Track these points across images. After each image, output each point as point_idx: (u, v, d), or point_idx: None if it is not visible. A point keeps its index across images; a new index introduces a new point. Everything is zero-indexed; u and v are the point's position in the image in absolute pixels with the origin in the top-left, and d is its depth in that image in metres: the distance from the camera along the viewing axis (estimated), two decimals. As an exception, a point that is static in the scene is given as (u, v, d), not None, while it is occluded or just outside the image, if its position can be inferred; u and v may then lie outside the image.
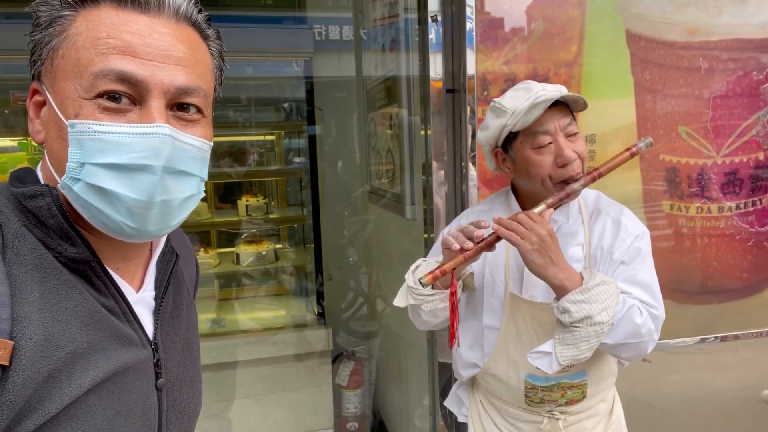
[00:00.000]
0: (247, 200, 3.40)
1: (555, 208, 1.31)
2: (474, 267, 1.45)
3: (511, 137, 1.34)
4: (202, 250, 3.30)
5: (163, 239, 0.84)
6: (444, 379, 2.05)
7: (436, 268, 1.24)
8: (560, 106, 1.31)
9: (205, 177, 0.75)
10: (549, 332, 1.33)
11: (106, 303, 0.72)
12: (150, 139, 0.65)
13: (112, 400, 0.70)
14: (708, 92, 1.99)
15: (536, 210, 1.26)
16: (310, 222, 3.29)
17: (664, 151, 1.98)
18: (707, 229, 2.06)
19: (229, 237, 3.70)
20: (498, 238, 1.24)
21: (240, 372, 3.02)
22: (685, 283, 2.07)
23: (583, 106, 1.33)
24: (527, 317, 1.39)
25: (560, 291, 1.22)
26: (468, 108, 1.82)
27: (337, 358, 3.32)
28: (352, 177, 3.46)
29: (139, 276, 0.80)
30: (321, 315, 3.21)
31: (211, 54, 0.77)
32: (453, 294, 1.32)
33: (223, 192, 3.82)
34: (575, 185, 1.29)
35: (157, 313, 0.80)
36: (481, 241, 1.24)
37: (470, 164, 1.86)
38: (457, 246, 1.23)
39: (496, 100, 1.35)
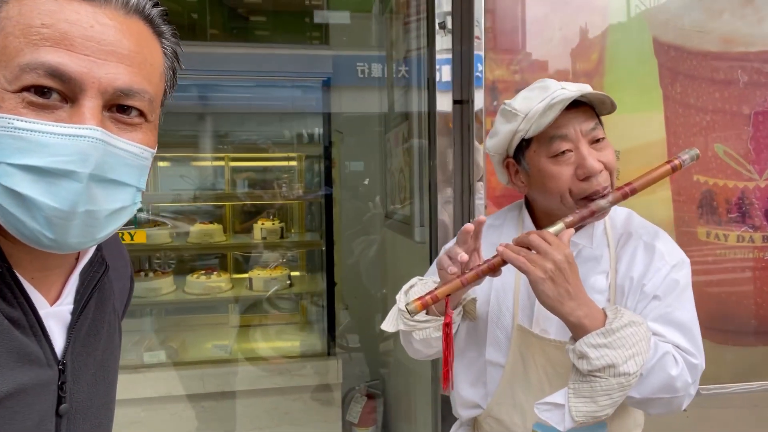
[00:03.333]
0: (262, 224, 3.32)
1: (576, 229, 1.12)
2: (477, 291, 1.27)
3: (524, 145, 1.16)
4: (215, 273, 3.22)
5: (93, 247, 0.75)
6: (451, 417, 1.86)
7: (428, 293, 1.06)
8: (583, 107, 1.12)
9: (143, 187, 0.67)
10: (563, 375, 1.13)
11: (12, 314, 0.63)
12: (78, 141, 0.58)
13: (1, 426, 0.61)
14: (748, 108, 1.80)
15: (552, 229, 1.06)
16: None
17: (698, 171, 1.78)
18: (749, 260, 1.83)
19: (248, 261, 3.62)
20: (504, 262, 1.05)
21: (244, 402, 2.88)
22: (724, 321, 1.84)
23: (611, 107, 1.14)
24: (537, 355, 1.19)
25: (578, 331, 1.01)
26: (475, 119, 1.68)
27: (348, 393, 3.15)
28: (373, 202, 3.34)
29: (57, 287, 0.71)
30: (332, 346, 3.06)
31: (164, 53, 0.69)
32: (447, 326, 1.11)
33: (241, 215, 3.77)
34: (602, 202, 1.08)
35: (72, 329, 0.71)
36: (483, 263, 1.07)
37: (477, 180, 1.71)
38: (454, 269, 1.06)
39: (506, 102, 1.17)
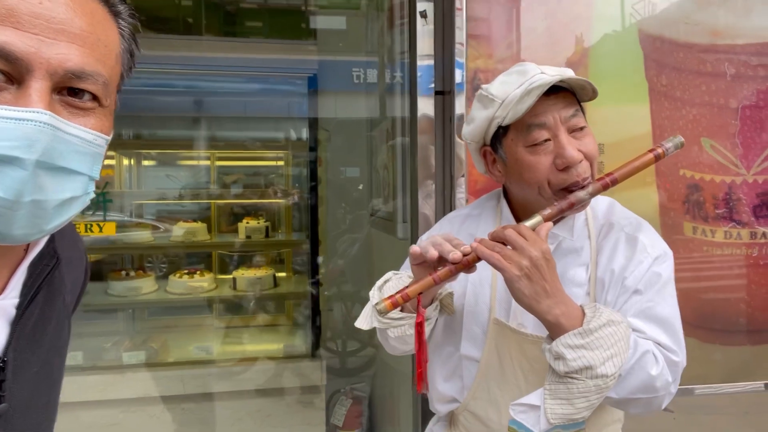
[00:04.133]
0: (247, 222, 3.27)
1: (556, 220, 1.07)
2: (454, 284, 1.22)
3: (501, 132, 1.11)
4: (198, 273, 3.16)
5: (44, 238, 0.70)
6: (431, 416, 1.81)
7: (398, 292, 1.01)
8: (563, 93, 1.07)
9: (96, 176, 0.63)
10: (538, 371, 1.09)
11: None
12: (23, 126, 0.54)
13: None
14: (735, 101, 1.76)
15: (529, 223, 1.01)
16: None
17: (684, 165, 1.74)
18: (737, 257, 1.79)
19: (233, 261, 3.57)
20: (478, 258, 1.00)
21: (226, 404, 2.82)
22: (711, 319, 1.80)
23: (592, 94, 1.09)
24: (513, 350, 1.14)
25: (555, 330, 0.97)
26: (456, 110, 1.65)
27: (333, 396, 3.09)
28: (359, 200, 3.29)
29: (2, 279, 0.66)
30: (316, 348, 3.01)
31: (121, 34, 0.65)
32: (419, 325, 1.06)
33: (229, 216, 3.72)
34: (581, 193, 1.03)
35: (16, 324, 0.66)
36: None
37: (460, 176, 1.66)
38: (434, 252, 1.01)
39: (483, 86, 1.12)
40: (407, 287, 1.02)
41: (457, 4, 1.63)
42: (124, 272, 3.09)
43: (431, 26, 1.70)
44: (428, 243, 1.05)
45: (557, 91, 1.06)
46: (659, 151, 1.05)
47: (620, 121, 1.70)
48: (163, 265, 3.59)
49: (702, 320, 1.79)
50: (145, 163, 3.65)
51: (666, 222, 1.75)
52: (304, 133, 3.35)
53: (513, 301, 1.15)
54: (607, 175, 1.04)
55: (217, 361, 2.88)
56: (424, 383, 1.11)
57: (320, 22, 3.35)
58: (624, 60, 1.71)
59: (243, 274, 3.17)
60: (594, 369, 0.93)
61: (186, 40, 3.14)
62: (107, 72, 0.61)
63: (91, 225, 2.22)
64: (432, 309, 1.17)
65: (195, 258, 3.64)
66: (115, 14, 0.64)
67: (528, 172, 1.07)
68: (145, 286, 3.07)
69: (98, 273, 3.24)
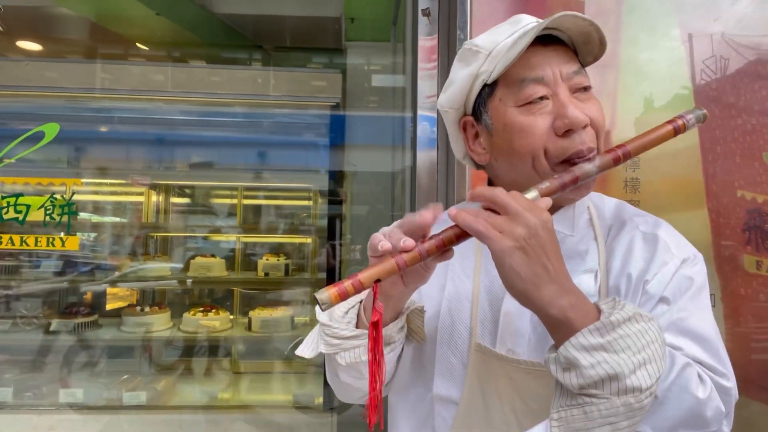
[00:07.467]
0: (266, 259, 3.10)
1: (551, 212, 0.82)
2: (425, 302, 0.94)
3: (487, 93, 0.89)
4: (213, 311, 2.99)
5: None
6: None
7: (349, 278, 0.73)
8: (562, 47, 0.87)
9: None
10: (537, 412, 0.82)
11: None
12: None
13: None
14: (807, 110, 1.45)
15: (526, 195, 0.77)
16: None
17: (743, 184, 1.43)
18: (816, 301, 1.43)
19: (252, 300, 3.40)
20: (457, 237, 0.74)
21: (225, 457, 2.57)
22: (785, 379, 1.43)
23: (599, 48, 0.87)
24: (502, 385, 0.87)
25: (562, 329, 0.70)
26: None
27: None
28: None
29: None
30: (329, 398, 2.74)
31: None
32: (375, 325, 0.76)
33: (250, 252, 3.59)
34: (588, 166, 0.81)
35: None
36: (430, 238, 0.75)
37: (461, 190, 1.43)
38: (387, 245, 0.74)
39: (467, 41, 0.92)
40: (361, 272, 0.74)
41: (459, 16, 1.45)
42: (138, 307, 2.97)
43: (434, 37, 1.53)
44: (394, 225, 0.80)
45: (555, 43, 0.86)
46: (679, 123, 0.84)
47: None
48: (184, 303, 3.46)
49: (772, 380, 1.42)
50: (174, 200, 3.60)
51: (721, 254, 1.43)
52: (328, 177, 3.23)
53: (501, 321, 0.89)
54: (619, 146, 0.81)
55: (220, 407, 2.66)
56: (378, 412, 0.81)
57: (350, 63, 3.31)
58: (662, 59, 1.45)
59: (258, 314, 2.97)
60: (622, 379, 0.66)
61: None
62: None
63: (53, 239, 2.09)
64: (396, 328, 0.89)
65: (216, 295, 3.49)
66: None
67: (521, 137, 0.85)
68: (158, 322, 2.92)
69: (115, 307, 3.15)
